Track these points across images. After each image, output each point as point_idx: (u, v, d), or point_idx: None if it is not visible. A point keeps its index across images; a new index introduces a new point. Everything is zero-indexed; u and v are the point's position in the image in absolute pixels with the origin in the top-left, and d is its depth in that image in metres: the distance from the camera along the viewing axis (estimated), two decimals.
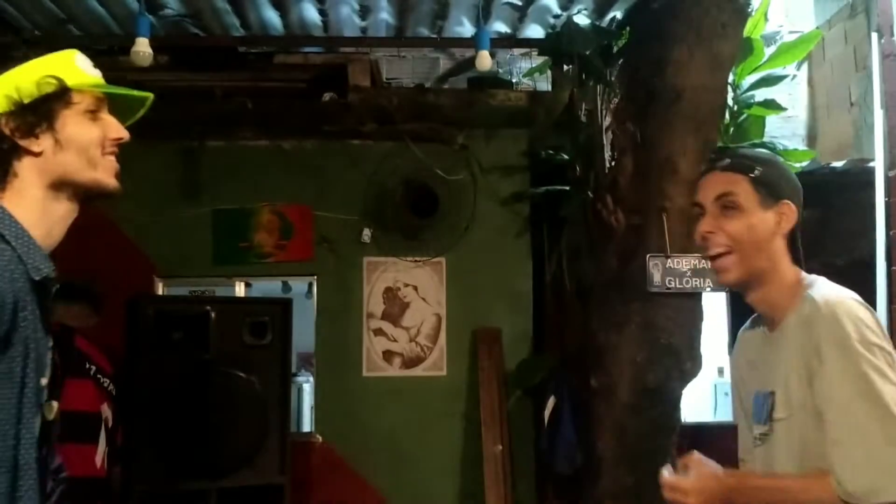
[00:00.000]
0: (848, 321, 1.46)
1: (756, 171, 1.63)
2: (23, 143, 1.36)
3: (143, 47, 3.39)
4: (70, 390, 2.97)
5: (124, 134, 1.49)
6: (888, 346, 1.48)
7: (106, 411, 3.17)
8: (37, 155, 1.38)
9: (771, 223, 1.60)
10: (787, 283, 1.61)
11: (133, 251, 4.59)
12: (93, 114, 1.44)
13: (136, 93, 1.56)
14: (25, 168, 1.38)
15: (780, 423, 1.56)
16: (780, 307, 1.60)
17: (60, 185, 1.41)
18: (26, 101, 1.36)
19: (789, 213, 1.62)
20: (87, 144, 1.42)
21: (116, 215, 4.57)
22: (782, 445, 1.56)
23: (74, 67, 1.43)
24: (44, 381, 1.40)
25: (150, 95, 1.61)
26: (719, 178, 1.65)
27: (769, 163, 1.70)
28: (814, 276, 1.63)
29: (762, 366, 1.65)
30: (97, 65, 4.62)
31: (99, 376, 3.15)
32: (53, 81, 1.38)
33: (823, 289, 1.57)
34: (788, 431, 1.54)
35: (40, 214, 1.40)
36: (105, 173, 1.47)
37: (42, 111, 1.37)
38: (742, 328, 1.81)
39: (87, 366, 3.10)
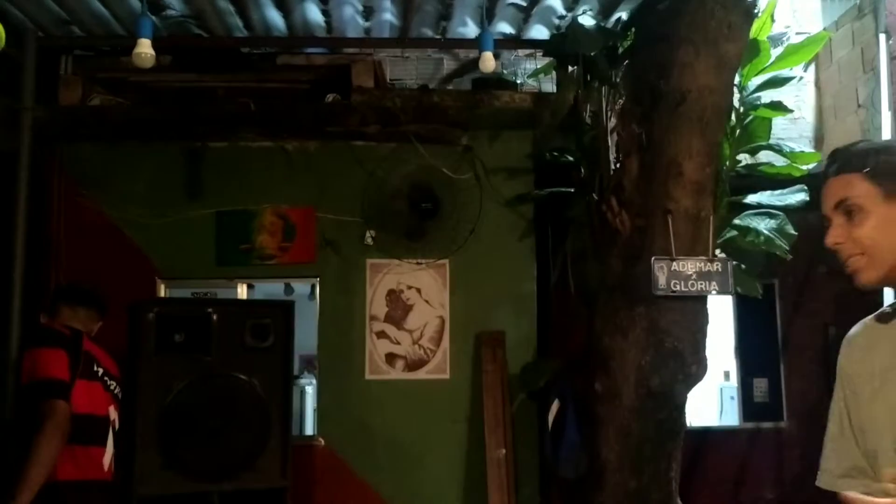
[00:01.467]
0: None
1: (869, 165, 1.48)
2: None
3: (145, 49, 3.37)
4: (79, 393, 2.96)
5: None
6: None
7: (113, 414, 3.16)
8: None
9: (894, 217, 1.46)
10: None
11: (135, 253, 4.58)
12: None
13: None
14: None
15: None
16: None
17: None
18: None
19: None
20: None
21: (119, 217, 4.57)
22: None
23: None
24: None
25: None
26: (834, 185, 1.52)
27: (885, 150, 1.53)
28: None
29: (872, 368, 1.50)
30: (100, 66, 4.62)
31: (106, 378, 3.15)
32: None
33: None
34: None
35: None
36: None
37: None
38: (863, 324, 1.61)
39: (95, 368, 3.10)
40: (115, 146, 4.63)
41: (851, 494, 1.45)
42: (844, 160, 1.53)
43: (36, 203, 4.28)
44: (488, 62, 3.71)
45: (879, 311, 1.58)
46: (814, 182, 4.26)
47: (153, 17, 3.85)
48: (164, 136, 4.60)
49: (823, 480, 1.54)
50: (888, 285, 1.51)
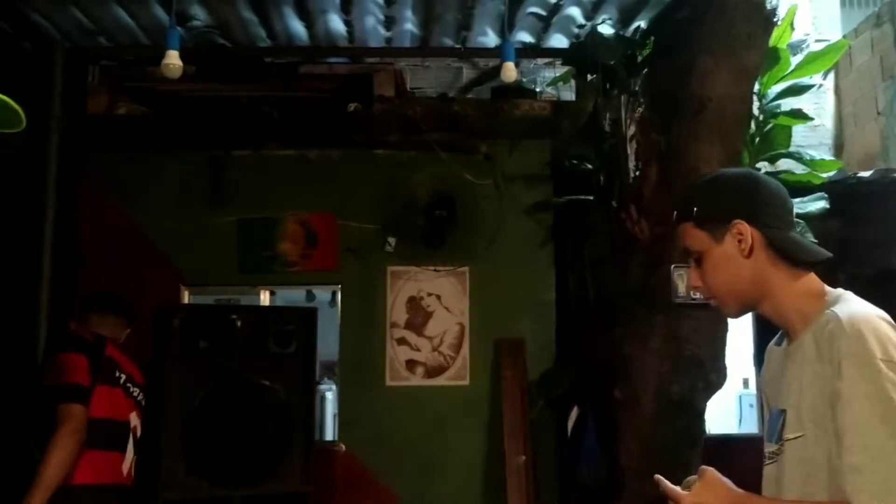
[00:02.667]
0: (873, 339, 1.35)
1: (694, 212, 1.54)
2: None
3: (173, 60, 3.43)
4: (100, 398, 3.00)
5: None
6: None
7: (134, 420, 3.19)
8: None
9: (732, 251, 1.51)
10: (798, 296, 1.51)
11: (160, 259, 4.64)
12: None
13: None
14: None
15: (790, 443, 1.46)
16: (793, 319, 1.51)
17: None
18: None
19: (744, 231, 1.50)
20: None
21: (144, 224, 4.64)
22: (790, 467, 1.46)
23: None
24: None
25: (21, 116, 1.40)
26: (678, 233, 1.60)
27: (704, 190, 1.60)
28: (840, 291, 1.51)
29: (779, 381, 1.56)
30: (126, 76, 4.69)
31: (129, 385, 3.18)
32: None
33: (849, 305, 1.45)
34: (798, 452, 1.44)
35: None
36: None
37: None
38: (771, 342, 1.72)
39: (117, 374, 3.13)
40: (140, 155, 4.71)
41: (663, 480, 1.54)
42: (679, 209, 1.60)
43: (63, 210, 4.36)
44: (509, 72, 3.74)
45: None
46: (834, 190, 4.26)
47: (179, 29, 3.92)
48: (189, 145, 4.67)
49: None
50: (750, 311, 1.58)
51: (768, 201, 1.53)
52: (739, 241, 1.50)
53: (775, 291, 1.51)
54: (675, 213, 1.60)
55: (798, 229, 4.07)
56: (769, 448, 1.54)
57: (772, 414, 1.56)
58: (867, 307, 1.45)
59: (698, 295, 1.65)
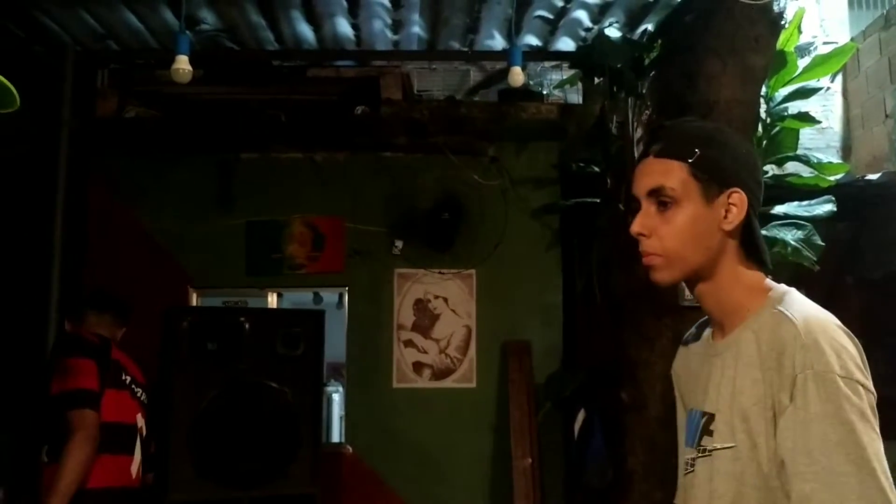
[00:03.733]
0: (831, 351, 1.20)
1: (695, 154, 1.31)
2: None
3: (183, 65, 3.46)
4: (108, 402, 3.01)
5: None
6: (870, 383, 1.22)
7: (140, 421, 3.21)
8: None
9: (715, 218, 1.32)
10: (742, 286, 1.34)
11: (168, 262, 4.67)
12: None
13: None
14: None
15: (719, 453, 1.29)
16: (728, 311, 1.34)
17: None
18: None
19: (740, 203, 1.32)
20: None
21: (153, 227, 4.66)
22: (719, 480, 1.29)
23: None
24: None
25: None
26: (652, 166, 1.35)
27: (713, 139, 1.36)
28: (784, 287, 1.35)
29: (699, 380, 1.40)
30: (135, 79, 4.72)
31: (133, 386, 3.19)
32: None
33: (801, 307, 1.28)
34: (727, 465, 1.28)
35: None
36: None
37: None
38: (687, 333, 1.55)
39: (123, 377, 3.14)
40: (149, 157, 4.73)
41: None
42: (669, 141, 1.35)
43: (72, 213, 4.39)
44: (517, 77, 3.75)
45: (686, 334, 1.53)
46: (841, 193, 4.26)
47: (189, 33, 3.95)
48: (197, 148, 4.69)
49: None
50: (683, 282, 1.38)
51: (760, 182, 1.38)
52: (726, 212, 1.32)
53: (723, 275, 1.34)
54: (662, 144, 1.36)
55: (806, 232, 4.10)
56: (688, 454, 1.38)
57: (691, 415, 1.41)
58: (820, 312, 1.29)
59: (643, 247, 1.36)
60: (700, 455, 1.33)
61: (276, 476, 3.40)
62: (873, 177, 4.64)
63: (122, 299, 3.39)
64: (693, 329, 1.51)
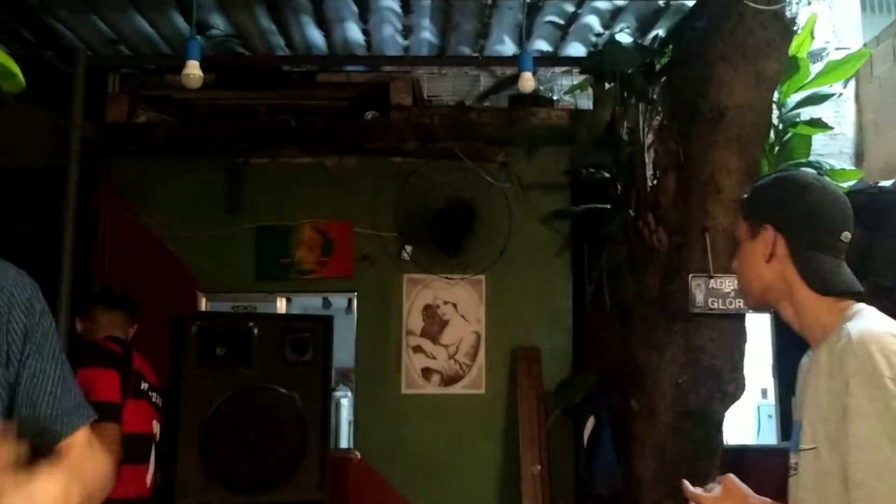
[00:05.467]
0: (880, 356, 1.36)
1: (745, 208, 1.63)
2: None
3: (194, 70, 3.46)
4: (129, 412, 2.99)
5: None
6: None
7: (156, 427, 3.20)
8: None
9: (756, 251, 1.57)
10: (819, 309, 1.52)
11: (178, 266, 4.67)
12: None
13: None
14: None
15: (804, 454, 1.49)
16: (813, 330, 1.54)
17: None
18: None
19: (766, 237, 1.55)
20: None
21: (162, 231, 4.67)
22: (804, 478, 1.49)
23: None
24: None
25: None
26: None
27: (760, 187, 1.66)
28: (861, 306, 1.51)
29: (801, 394, 1.59)
30: (146, 84, 4.69)
31: (151, 393, 3.19)
32: None
33: (863, 321, 1.45)
34: (810, 464, 1.47)
35: None
36: None
37: None
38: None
39: (143, 385, 3.14)
40: (159, 162, 4.74)
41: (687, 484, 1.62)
42: (740, 197, 1.70)
43: (83, 217, 4.40)
44: (527, 82, 3.73)
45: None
46: (854, 199, 4.22)
47: (200, 38, 3.96)
48: (207, 153, 4.70)
49: None
50: (765, 310, 1.68)
51: (810, 217, 1.54)
52: (762, 246, 1.55)
53: (797, 301, 1.54)
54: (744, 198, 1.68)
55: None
56: (792, 459, 1.56)
57: (794, 426, 1.59)
58: (882, 324, 1.44)
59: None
60: (797, 459, 1.53)
61: (283, 482, 3.39)
62: (886, 183, 4.60)
63: (129, 295, 3.38)
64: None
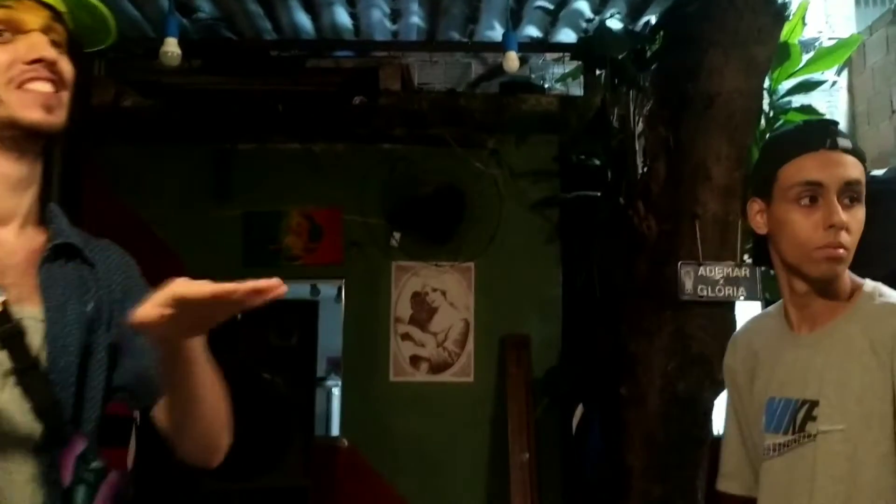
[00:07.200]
0: None
1: (864, 160, 1.48)
2: None
3: (171, 47, 3.41)
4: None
5: (45, 53, 1.18)
6: None
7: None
8: None
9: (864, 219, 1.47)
10: (847, 281, 1.48)
11: (164, 252, 4.63)
12: None
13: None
14: None
15: (825, 435, 1.40)
16: (832, 305, 1.47)
17: None
18: None
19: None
20: None
21: (149, 217, 4.63)
22: (824, 460, 1.40)
23: None
24: None
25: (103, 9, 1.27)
26: (846, 160, 1.44)
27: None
28: (873, 282, 1.50)
29: (788, 368, 1.50)
30: (132, 68, 4.67)
31: None
32: None
33: None
34: (836, 446, 1.39)
35: None
36: (19, 106, 1.19)
37: None
38: (753, 319, 1.66)
39: None
40: (145, 147, 4.70)
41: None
42: (852, 141, 1.46)
43: (68, 202, 4.35)
44: (512, 62, 3.70)
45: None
46: None
47: (182, 19, 3.91)
48: (194, 138, 4.66)
49: None
50: (829, 282, 1.49)
51: None
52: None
53: (845, 277, 1.49)
54: (849, 142, 1.51)
55: None
56: (774, 440, 1.48)
57: (776, 404, 1.50)
58: None
59: (839, 240, 1.45)
60: (801, 441, 1.43)
61: (266, 469, 3.37)
62: (878, 173, 4.58)
63: None
64: (748, 325, 1.63)
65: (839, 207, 1.41)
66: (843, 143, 1.43)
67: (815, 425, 1.41)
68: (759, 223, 1.53)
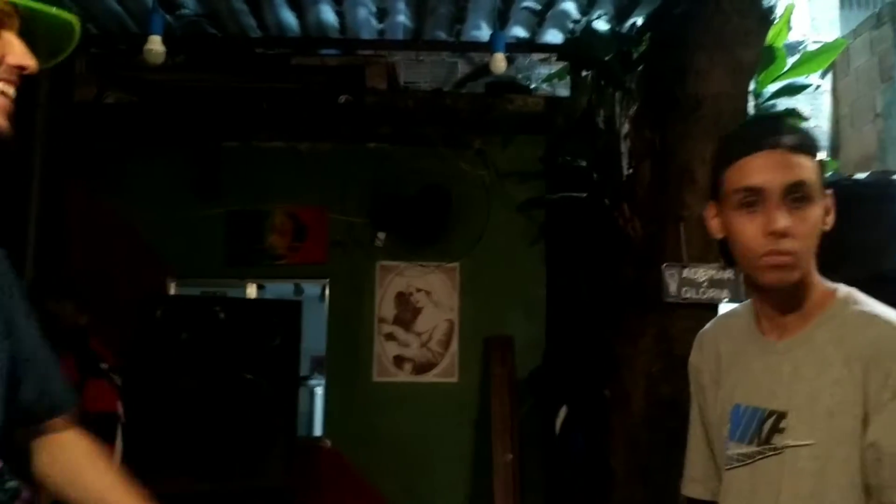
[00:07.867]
0: None
1: (817, 151, 1.33)
2: None
3: (155, 45, 3.38)
4: (90, 391, 2.95)
5: (27, 62, 1.07)
6: None
7: (121, 408, 3.15)
8: None
9: (821, 218, 1.32)
10: (816, 286, 1.35)
11: (147, 252, 4.58)
12: None
13: (47, 8, 1.08)
14: None
15: (794, 450, 1.31)
16: (802, 311, 1.35)
17: None
18: None
19: (832, 206, 1.34)
20: None
21: (132, 216, 4.58)
22: (792, 477, 1.31)
23: None
24: None
25: (74, 19, 1.13)
26: (789, 160, 1.31)
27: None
28: (845, 287, 1.38)
29: (757, 376, 1.40)
30: (115, 64, 4.60)
31: (110, 373, 3.15)
32: None
33: (881, 307, 1.32)
34: (803, 462, 1.31)
35: None
36: None
37: None
38: (706, 329, 1.56)
39: (101, 365, 3.09)
40: (129, 145, 4.65)
41: None
42: (800, 137, 1.34)
43: (49, 201, 4.30)
44: (499, 63, 3.70)
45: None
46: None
47: (166, 16, 3.87)
48: (178, 136, 4.62)
49: None
50: (793, 290, 1.36)
51: None
52: (825, 215, 1.35)
53: (808, 275, 1.35)
54: (797, 138, 1.37)
55: None
56: (738, 450, 1.40)
57: (739, 410, 1.41)
58: (886, 308, 1.31)
59: (782, 247, 1.31)
60: (766, 453, 1.35)
61: (249, 468, 3.34)
62: (861, 176, 4.60)
63: (80, 286, 3.32)
64: (714, 323, 1.52)
65: (779, 214, 1.29)
66: (788, 140, 1.32)
67: (783, 438, 1.33)
68: (714, 227, 1.44)
